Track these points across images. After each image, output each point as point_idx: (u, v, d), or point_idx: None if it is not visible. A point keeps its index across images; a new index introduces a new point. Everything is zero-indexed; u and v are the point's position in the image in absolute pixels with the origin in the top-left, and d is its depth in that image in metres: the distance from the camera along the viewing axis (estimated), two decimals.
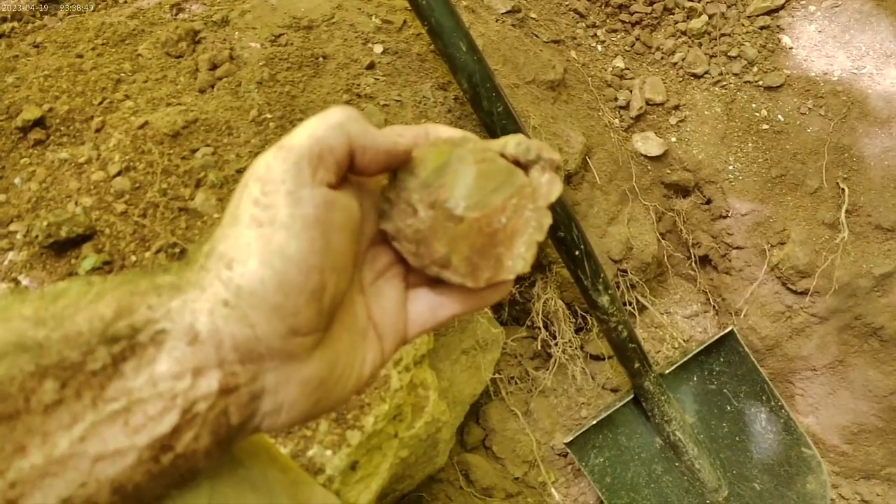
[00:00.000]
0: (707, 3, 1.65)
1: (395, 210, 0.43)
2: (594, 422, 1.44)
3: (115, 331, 0.32)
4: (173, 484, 0.35)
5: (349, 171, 0.40)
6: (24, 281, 0.92)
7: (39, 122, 1.05)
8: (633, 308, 1.65)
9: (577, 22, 1.64)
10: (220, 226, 0.37)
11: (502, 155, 0.45)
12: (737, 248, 1.63)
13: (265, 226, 0.34)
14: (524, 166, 0.45)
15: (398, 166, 0.43)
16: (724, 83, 1.62)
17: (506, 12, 1.51)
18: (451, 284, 0.44)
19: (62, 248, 0.93)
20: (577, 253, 1.27)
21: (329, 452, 0.86)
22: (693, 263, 1.71)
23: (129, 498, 0.33)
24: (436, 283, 0.45)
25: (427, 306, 0.46)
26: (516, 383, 1.62)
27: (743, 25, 1.63)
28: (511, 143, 0.45)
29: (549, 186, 0.45)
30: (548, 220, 0.44)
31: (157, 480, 0.33)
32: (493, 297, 0.46)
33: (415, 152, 0.44)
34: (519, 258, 0.43)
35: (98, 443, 0.31)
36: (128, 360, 0.32)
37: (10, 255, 0.94)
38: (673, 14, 1.65)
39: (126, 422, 0.32)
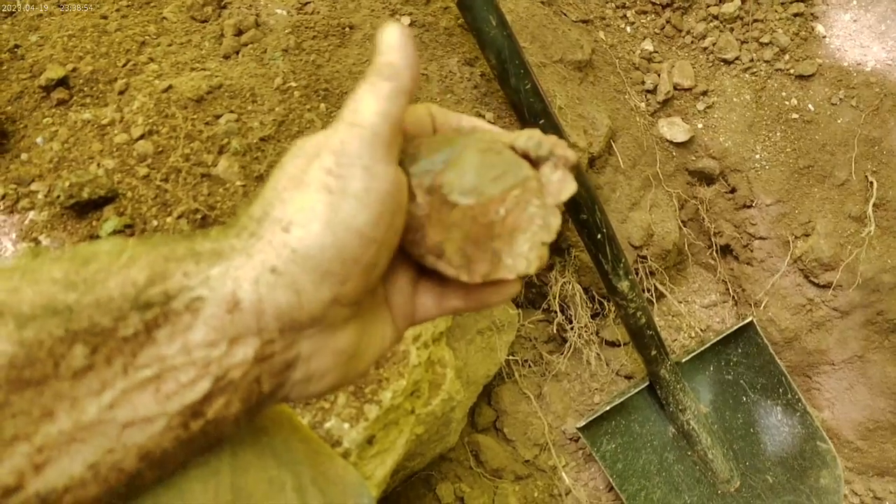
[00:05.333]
0: None
1: None
2: (607, 407, 1.43)
3: (148, 297, 0.31)
4: (200, 450, 0.34)
5: None
6: (45, 241, 0.91)
7: (63, 82, 1.04)
8: (652, 295, 1.64)
9: (607, 2, 1.61)
10: (272, 190, 0.36)
11: (512, 148, 0.42)
12: (759, 238, 1.60)
13: (335, 194, 0.34)
14: (535, 162, 0.42)
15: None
16: (755, 70, 1.59)
17: None
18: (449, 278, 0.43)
19: (83, 209, 0.93)
20: (598, 236, 1.26)
21: (346, 425, 0.85)
22: (714, 252, 1.69)
23: (156, 464, 0.32)
24: (440, 275, 0.44)
25: (434, 295, 0.45)
26: (530, 366, 1.61)
27: (776, 12, 1.60)
28: (522, 137, 0.42)
29: (561, 184, 0.41)
30: (556, 220, 0.41)
31: (185, 446, 0.33)
32: (493, 297, 0.45)
33: (422, 140, 0.43)
34: (521, 257, 0.40)
35: (128, 409, 0.31)
36: (161, 328, 0.31)
37: (31, 214, 0.93)
38: None
39: (157, 389, 0.31)
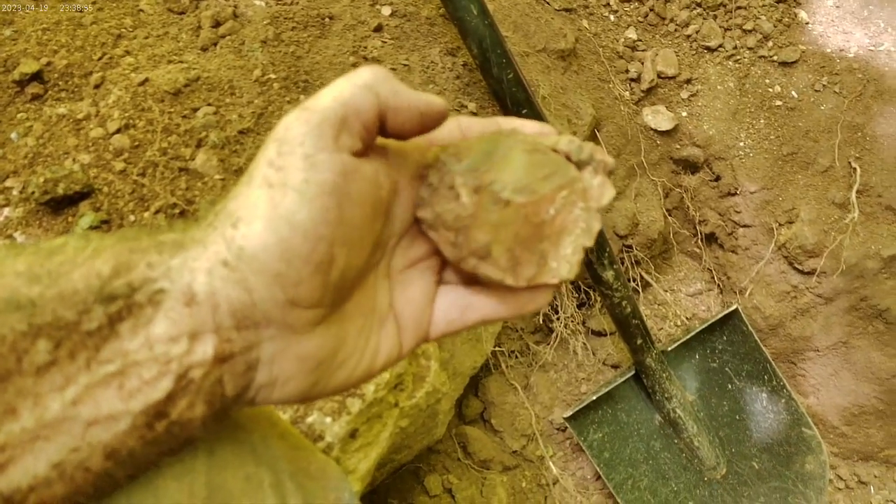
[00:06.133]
0: None
1: (435, 196, 0.40)
2: (594, 397, 1.44)
3: (112, 289, 0.30)
4: (169, 451, 0.33)
5: (384, 135, 0.38)
6: (20, 238, 0.90)
7: (37, 77, 1.02)
8: (637, 284, 1.64)
9: None
10: (236, 184, 0.35)
11: (554, 150, 0.42)
12: (744, 226, 1.61)
13: (275, 188, 0.32)
14: (576, 166, 0.42)
15: (434, 128, 0.40)
16: (738, 57, 1.59)
17: None
18: (487, 284, 0.41)
19: (59, 205, 0.91)
20: None
21: (329, 420, 0.85)
22: (699, 241, 1.69)
23: (124, 463, 0.31)
24: (471, 282, 0.42)
25: (457, 305, 0.43)
26: (517, 357, 1.61)
27: None
28: (563, 141, 0.42)
29: (601, 189, 0.41)
30: (597, 225, 0.40)
31: (152, 447, 0.32)
32: (531, 303, 0.42)
33: (461, 141, 0.42)
34: (564, 261, 0.40)
35: (91, 406, 0.30)
36: (124, 321, 0.30)
37: (6, 211, 0.91)
38: None
39: (120, 385, 0.30)
